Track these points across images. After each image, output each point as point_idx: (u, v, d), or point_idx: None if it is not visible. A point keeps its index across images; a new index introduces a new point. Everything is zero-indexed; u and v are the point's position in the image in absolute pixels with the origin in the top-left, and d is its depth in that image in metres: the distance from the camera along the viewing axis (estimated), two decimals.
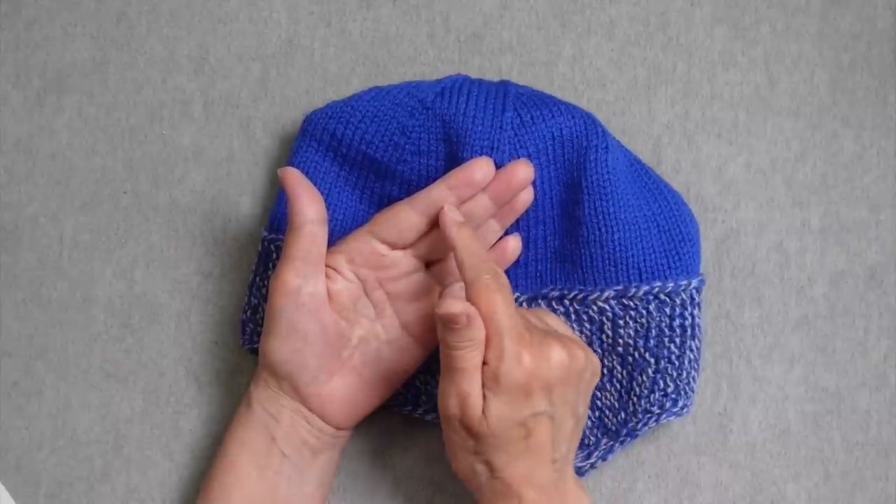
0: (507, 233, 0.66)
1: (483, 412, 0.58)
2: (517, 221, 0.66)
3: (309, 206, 0.61)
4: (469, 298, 0.58)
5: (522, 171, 0.63)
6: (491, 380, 0.58)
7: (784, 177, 0.69)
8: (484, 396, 0.58)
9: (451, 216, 0.61)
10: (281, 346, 0.62)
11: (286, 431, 0.63)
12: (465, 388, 0.58)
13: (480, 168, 0.63)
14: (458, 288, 0.63)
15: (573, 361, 0.59)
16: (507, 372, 0.57)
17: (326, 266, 0.63)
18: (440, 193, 0.63)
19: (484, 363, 0.58)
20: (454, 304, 0.57)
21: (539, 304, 0.66)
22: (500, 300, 0.58)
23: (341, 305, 0.63)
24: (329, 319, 0.62)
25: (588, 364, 0.60)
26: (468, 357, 0.58)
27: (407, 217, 0.63)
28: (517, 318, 0.58)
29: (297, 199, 0.61)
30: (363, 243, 0.63)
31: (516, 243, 0.66)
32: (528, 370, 0.57)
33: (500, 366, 0.57)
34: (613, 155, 0.65)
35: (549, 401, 0.58)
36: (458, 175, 0.63)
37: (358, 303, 0.64)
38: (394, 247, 0.63)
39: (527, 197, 0.65)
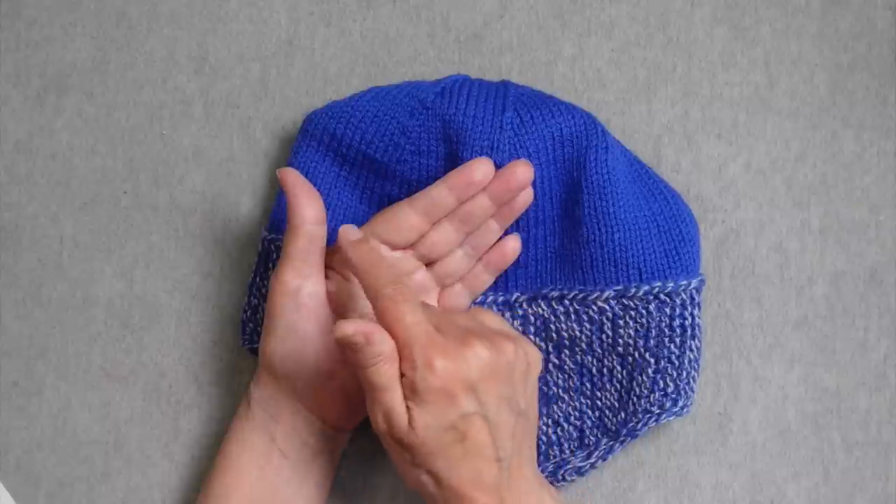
0: (506, 233, 0.66)
1: (409, 423, 0.57)
2: (517, 221, 0.66)
3: (308, 207, 0.61)
4: (376, 315, 0.57)
5: (522, 172, 0.63)
6: (409, 390, 0.56)
7: (784, 177, 0.69)
8: (407, 407, 0.57)
9: (346, 235, 0.60)
10: (280, 345, 0.62)
11: (286, 432, 0.63)
12: (387, 403, 0.57)
13: (480, 168, 0.63)
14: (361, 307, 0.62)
15: (499, 356, 0.57)
16: (421, 379, 0.56)
17: (326, 266, 0.63)
18: (440, 193, 0.63)
19: (402, 375, 0.57)
20: (346, 326, 0.56)
21: (539, 304, 0.66)
22: (404, 310, 0.56)
23: (341, 305, 0.63)
24: (328, 320, 0.62)
25: (518, 357, 0.59)
26: (381, 372, 0.57)
27: (407, 217, 0.63)
28: (426, 323, 0.57)
29: (295, 200, 0.61)
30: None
31: (516, 243, 0.66)
32: (443, 374, 0.56)
33: (415, 375, 0.56)
34: (613, 155, 0.65)
35: (477, 400, 0.57)
36: (457, 175, 0.63)
37: (357, 303, 0.64)
38: (393, 247, 0.63)
39: (526, 197, 0.65)
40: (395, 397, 0.57)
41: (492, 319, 0.61)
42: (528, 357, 0.59)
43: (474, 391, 0.57)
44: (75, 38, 0.71)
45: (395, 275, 0.58)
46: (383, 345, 0.56)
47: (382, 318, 0.57)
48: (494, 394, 0.57)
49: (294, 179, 0.62)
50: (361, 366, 0.57)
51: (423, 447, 0.57)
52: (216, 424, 0.69)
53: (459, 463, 0.57)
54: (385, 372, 0.57)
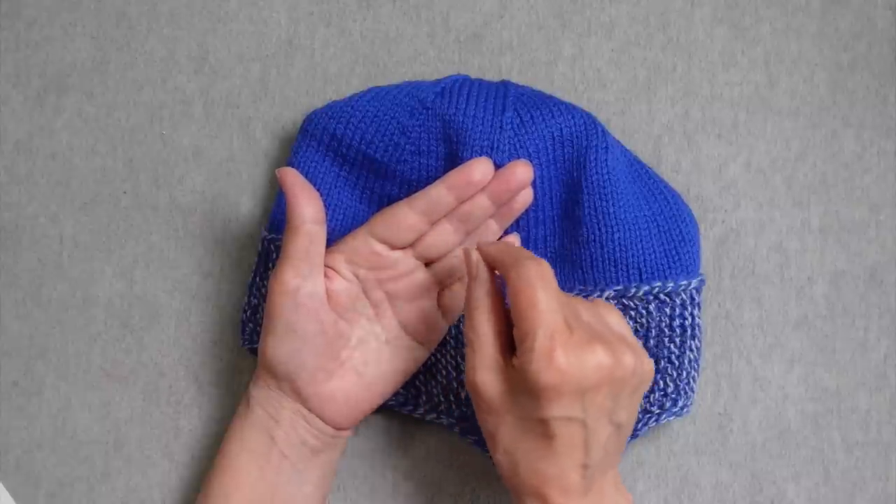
0: (506, 232, 0.66)
1: (501, 396, 0.56)
2: (517, 221, 0.66)
3: (307, 207, 0.61)
4: (510, 292, 0.56)
5: (521, 172, 0.63)
6: (519, 373, 0.55)
7: (784, 177, 0.69)
8: (510, 387, 0.56)
9: (471, 254, 0.59)
10: (280, 346, 0.62)
11: (286, 432, 0.63)
12: (474, 353, 0.57)
13: (479, 168, 0.63)
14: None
15: (616, 368, 0.55)
16: (535, 367, 0.54)
17: (325, 266, 0.63)
18: (439, 193, 0.63)
19: (515, 357, 0.56)
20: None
21: None
22: (540, 296, 0.55)
23: (340, 305, 0.63)
24: (328, 319, 0.62)
25: (636, 372, 0.57)
26: (473, 319, 0.57)
27: (406, 217, 0.63)
28: (559, 314, 0.55)
29: (294, 200, 0.61)
30: (362, 243, 0.63)
31: (515, 242, 0.66)
32: (559, 371, 0.54)
33: (530, 359, 0.54)
34: (613, 155, 0.65)
35: (582, 406, 0.55)
36: (457, 175, 0.63)
37: (357, 303, 0.64)
38: (393, 247, 0.63)
39: (526, 197, 0.65)
40: (480, 354, 0.56)
41: (615, 319, 0.60)
42: (643, 372, 0.58)
43: (582, 396, 0.55)
44: (75, 38, 0.71)
45: (531, 254, 0.57)
46: (482, 286, 0.57)
47: (517, 297, 0.55)
48: (600, 403, 0.56)
49: (293, 179, 0.62)
50: (467, 298, 0.58)
51: (507, 426, 0.56)
52: (216, 424, 0.69)
53: (543, 458, 0.56)
54: (478, 322, 0.57)
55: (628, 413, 0.58)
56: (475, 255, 0.58)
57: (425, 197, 0.63)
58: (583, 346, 0.55)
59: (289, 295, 0.61)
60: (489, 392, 0.57)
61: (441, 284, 0.65)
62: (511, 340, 0.57)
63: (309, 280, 0.61)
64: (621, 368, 0.56)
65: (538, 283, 0.55)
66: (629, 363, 0.56)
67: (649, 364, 0.58)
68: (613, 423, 0.57)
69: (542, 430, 0.56)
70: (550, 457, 0.56)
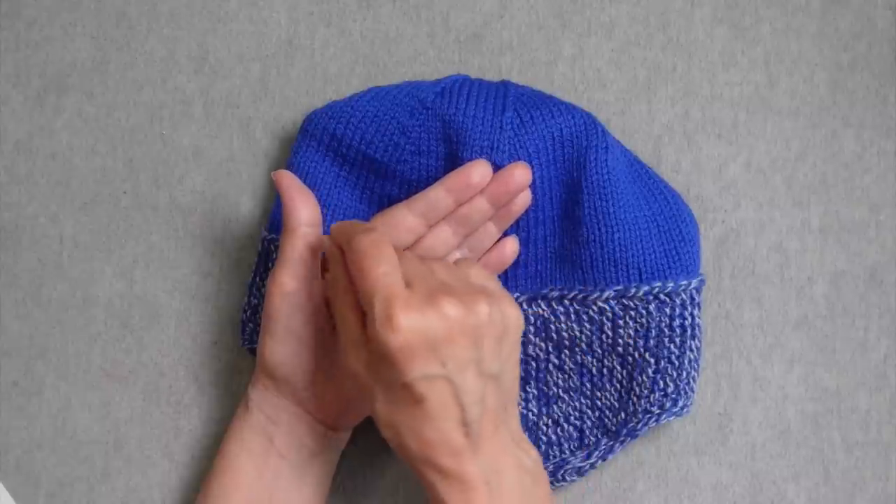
0: (506, 234, 0.66)
1: (365, 369, 0.56)
2: (517, 221, 0.66)
3: (303, 209, 0.61)
4: (348, 263, 0.56)
5: (520, 174, 0.63)
6: (370, 341, 0.55)
7: (784, 177, 0.69)
8: (367, 360, 0.56)
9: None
10: (278, 348, 0.62)
11: (284, 433, 0.63)
12: (339, 340, 0.58)
13: (478, 170, 0.63)
14: None
15: (467, 317, 0.54)
16: (380, 335, 0.53)
17: (322, 268, 0.63)
18: (438, 196, 0.63)
19: (364, 327, 0.55)
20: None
21: (539, 304, 0.66)
22: (371, 262, 0.54)
23: None
24: (326, 321, 0.62)
25: (493, 319, 0.55)
26: (333, 299, 0.58)
27: (404, 219, 0.63)
28: (394, 275, 0.54)
29: (290, 202, 0.61)
30: None
31: (514, 245, 0.66)
32: (402, 331, 0.53)
33: (374, 329, 0.54)
34: (613, 155, 0.65)
35: (440, 362, 0.54)
36: (455, 178, 0.63)
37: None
38: None
39: (524, 200, 0.65)
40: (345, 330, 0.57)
41: (475, 272, 0.59)
42: (504, 319, 0.56)
43: (436, 352, 0.54)
44: (75, 38, 0.71)
45: (369, 226, 0.57)
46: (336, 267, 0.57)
47: (353, 271, 0.55)
48: (460, 356, 0.54)
49: (289, 182, 0.62)
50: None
51: (381, 399, 0.56)
52: (216, 424, 0.69)
53: (421, 424, 0.55)
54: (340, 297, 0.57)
55: (501, 363, 0.57)
56: (327, 240, 0.59)
57: (424, 199, 0.63)
58: (424, 302, 0.54)
59: (286, 297, 0.61)
60: (357, 368, 0.56)
61: None
62: None
63: (305, 282, 0.61)
64: (473, 316, 0.55)
65: (368, 252, 0.55)
66: (483, 311, 0.55)
67: (512, 310, 0.57)
68: (484, 374, 0.56)
69: (410, 395, 0.55)
70: (427, 421, 0.55)
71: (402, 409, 0.55)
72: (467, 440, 0.55)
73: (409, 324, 0.53)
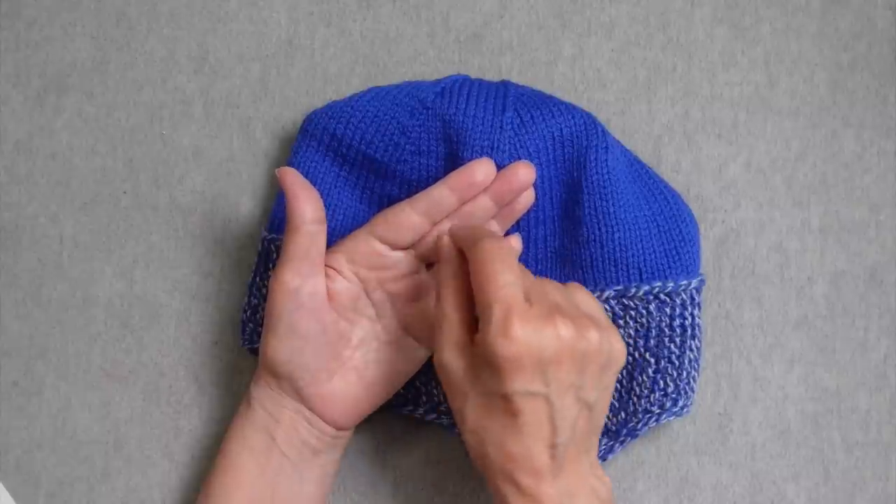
0: (506, 233, 0.66)
1: (465, 371, 0.56)
2: (517, 221, 0.66)
3: (307, 206, 0.61)
4: (471, 268, 0.56)
5: (523, 173, 0.63)
6: (479, 346, 0.55)
7: (784, 177, 0.69)
8: (471, 364, 0.56)
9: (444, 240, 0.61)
10: (281, 346, 0.62)
11: (286, 432, 0.63)
12: (436, 339, 0.57)
13: (481, 169, 0.63)
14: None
15: (579, 341, 0.55)
16: (493, 342, 0.54)
17: (326, 266, 0.63)
18: (441, 194, 0.63)
19: (477, 332, 0.56)
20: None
21: None
22: (497, 268, 0.55)
23: (341, 305, 0.63)
24: (329, 319, 0.62)
25: (601, 348, 0.56)
26: (441, 299, 0.58)
27: (407, 217, 0.63)
28: (516, 287, 0.55)
29: (294, 200, 0.61)
30: (363, 243, 0.63)
31: (517, 243, 0.66)
32: (518, 343, 0.54)
33: (488, 334, 0.54)
34: (613, 155, 0.65)
35: (544, 381, 0.54)
36: (459, 176, 0.63)
37: (358, 303, 0.64)
38: (394, 247, 0.63)
39: (527, 199, 0.65)
40: (444, 333, 0.57)
41: (586, 301, 0.59)
42: (611, 350, 0.57)
43: (543, 371, 0.54)
44: (75, 38, 0.71)
45: (491, 231, 0.58)
46: (449, 267, 0.58)
47: (476, 274, 0.56)
48: (564, 379, 0.55)
49: (293, 179, 0.62)
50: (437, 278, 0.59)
51: (472, 404, 0.56)
52: (216, 424, 0.69)
53: (509, 436, 0.55)
54: (446, 301, 0.57)
55: (598, 393, 0.57)
56: (445, 239, 0.59)
57: (427, 197, 0.63)
58: (541, 318, 0.54)
59: (290, 295, 0.61)
60: (454, 369, 0.56)
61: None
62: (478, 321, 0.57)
63: (310, 280, 0.61)
64: (584, 342, 0.55)
65: (495, 258, 0.55)
66: (594, 338, 0.56)
67: (619, 344, 0.57)
68: (581, 400, 0.56)
69: (506, 406, 0.55)
70: (516, 434, 0.55)
71: (493, 418, 0.56)
72: (552, 462, 0.56)
73: (525, 336, 0.54)
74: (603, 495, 0.58)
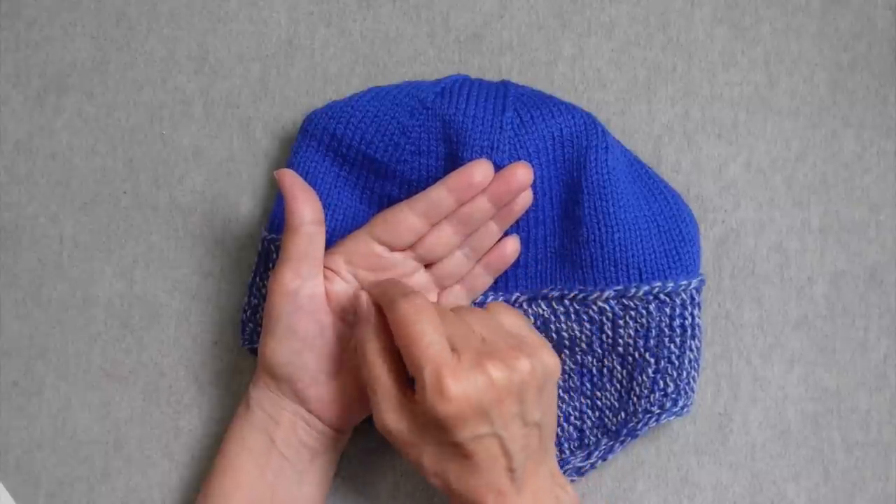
0: (507, 233, 0.66)
1: (410, 432, 0.57)
2: (517, 221, 0.66)
3: (306, 207, 0.61)
4: (392, 327, 0.58)
5: (522, 173, 0.63)
6: (419, 406, 0.57)
7: (784, 177, 0.69)
8: (417, 425, 0.57)
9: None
10: (279, 347, 0.62)
11: (285, 433, 0.63)
12: (372, 403, 0.59)
13: (480, 170, 0.63)
14: None
15: (512, 376, 0.57)
16: (432, 405, 0.55)
17: (325, 267, 0.63)
18: (440, 195, 0.63)
19: (415, 394, 0.57)
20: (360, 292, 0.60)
21: (539, 304, 0.66)
22: (419, 330, 0.56)
23: (340, 307, 0.63)
24: (327, 321, 0.62)
25: (535, 372, 0.58)
26: (366, 361, 0.59)
27: (406, 219, 0.63)
28: (441, 344, 0.56)
29: (293, 201, 0.61)
30: (362, 244, 0.63)
31: (515, 245, 0.66)
32: (454, 400, 0.55)
33: (424, 398, 0.56)
34: (613, 155, 0.65)
35: (489, 422, 0.56)
36: (457, 177, 0.63)
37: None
38: (392, 248, 0.63)
39: (526, 200, 0.65)
40: (380, 392, 0.58)
41: (511, 321, 0.61)
42: (545, 369, 0.58)
43: (486, 414, 0.56)
44: (75, 38, 0.71)
45: (405, 286, 0.59)
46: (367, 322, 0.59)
47: (400, 338, 0.57)
48: (507, 413, 0.57)
49: (292, 180, 0.62)
50: (357, 338, 0.59)
51: (428, 455, 0.58)
52: (216, 424, 0.69)
53: (470, 475, 0.58)
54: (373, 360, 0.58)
55: (543, 409, 0.59)
56: (363, 297, 0.60)
57: (425, 198, 0.63)
58: (472, 368, 0.56)
59: (288, 296, 0.61)
60: (399, 430, 0.58)
61: (440, 286, 0.65)
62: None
63: (308, 281, 0.61)
64: (517, 374, 0.57)
65: (414, 319, 0.56)
66: (525, 367, 0.57)
67: (551, 359, 0.59)
68: (528, 423, 0.58)
69: (460, 451, 0.57)
70: (476, 472, 0.57)
71: (450, 461, 0.58)
72: (513, 483, 0.58)
73: (459, 392, 0.55)
74: (566, 501, 0.60)
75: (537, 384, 0.58)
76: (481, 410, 0.56)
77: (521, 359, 0.57)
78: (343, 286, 0.63)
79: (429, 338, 0.56)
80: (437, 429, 0.56)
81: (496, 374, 0.56)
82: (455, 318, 0.59)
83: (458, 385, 0.55)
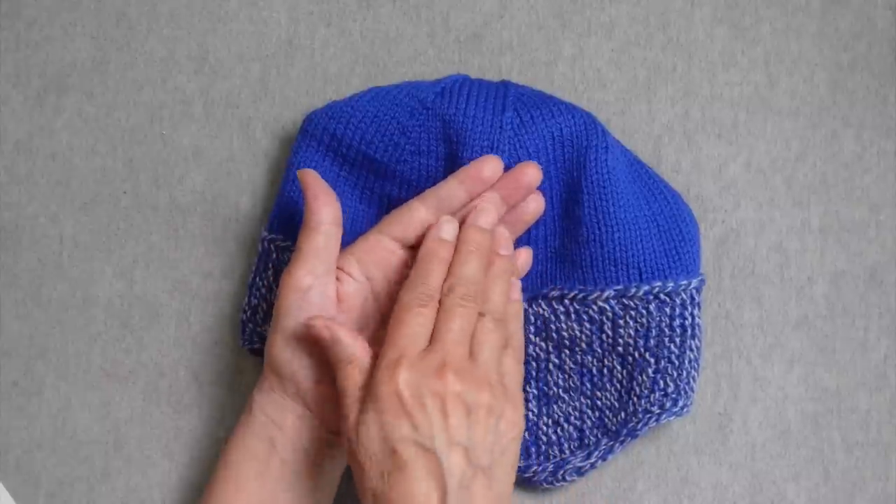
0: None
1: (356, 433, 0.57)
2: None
3: (326, 208, 0.61)
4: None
5: (531, 172, 0.63)
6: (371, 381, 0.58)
7: (784, 177, 0.69)
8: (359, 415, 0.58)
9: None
10: (287, 345, 0.62)
11: (288, 438, 0.63)
12: (345, 411, 0.59)
13: (489, 165, 0.63)
14: None
15: (467, 396, 0.57)
16: (377, 382, 0.57)
17: (338, 268, 0.63)
18: (450, 188, 0.63)
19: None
20: (316, 318, 0.60)
21: (539, 304, 0.66)
22: (409, 317, 0.59)
23: (350, 308, 0.63)
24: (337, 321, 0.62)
25: (490, 412, 0.58)
26: (345, 375, 0.60)
27: (417, 212, 0.63)
28: (425, 335, 0.59)
29: (314, 200, 0.61)
30: (374, 242, 0.63)
31: (527, 256, 0.66)
32: (398, 383, 0.57)
33: (376, 373, 0.58)
34: (613, 155, 0.65)
35: (428, 426, 0.56)
36: (467, 171, 0.63)
37: (366, 305, 0.63)
38: (404, 244, 0.63)
39: (537, 206, 0.65)
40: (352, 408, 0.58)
41: (510, 367, 0.61)
42: (502, 419, 0.58)
43: (426, 415, 0.56)
44: (75, 38, 0.71)
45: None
46: (349, 349, 0.59)
47: (393, 316, 0.59)
48: (452, 430, 0.56)
49: (313, 180, 0.62)
50: (331, 363, 0.60)
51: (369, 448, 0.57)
52: (216, 424, 0.69)
53: (399, 483, 0.56)
54: (349, 376, 0.59)
55: (495, 459, 0.57)
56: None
57: (436, 193, 0.63)
58: (433, 369, 0.57)
59: (299, 293, 0.61)
60: (354, 393, 0.59)
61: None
62: None
63: (321, 280, 0.61)
64: (472, 397, 0.57)
65: (413, 311, 0.59)
66: (483, 400, 0.58)
67: (513, 412, 0.58)
68: (474, 462, 0.56)
69: (394, 455, 0.56)
70: (406, 481, 0.56)
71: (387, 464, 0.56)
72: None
73: (406, 378, 0.57)
74: None
75: (491, 422, 0.57)
76: (420, 405, 0.56)
77: (484, 393, 0.57)
78: (353, 286, 0.63)
79: (414, 329, 0.58)
80: (375, 412, 0.56)
81: (452, 387, 0.56)
82: (461, 326, 0.59)
83: (409, 374, 0.56)
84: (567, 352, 0.66)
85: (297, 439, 0.63)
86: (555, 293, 0.66)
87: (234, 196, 0.70)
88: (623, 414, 0.65)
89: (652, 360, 0.65)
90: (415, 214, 0.63)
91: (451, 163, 0.64)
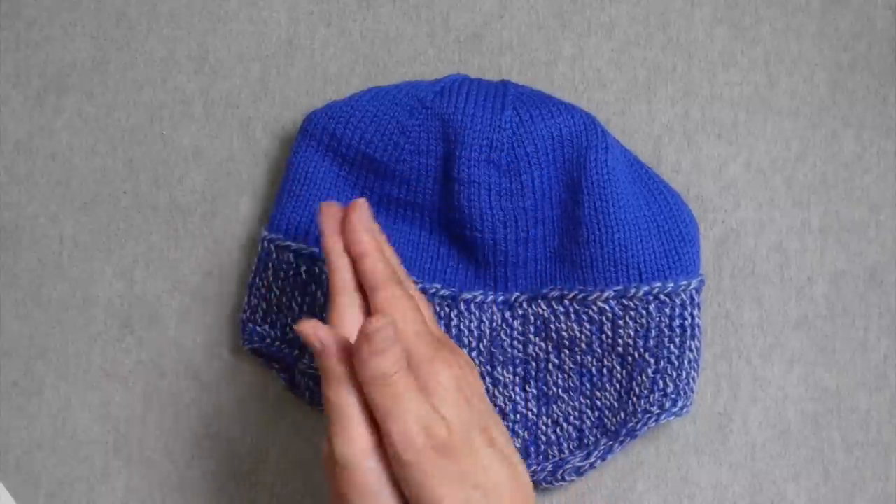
0: (509, 233, 0.66)
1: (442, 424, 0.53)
2: (517, 221, 0.66)
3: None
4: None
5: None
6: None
7: (784, 177, 0.69)
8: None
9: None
10: None
11: None
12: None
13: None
14: None
15: (459, 383, 0.55)
16: (364, 358, 0.52)
17: None
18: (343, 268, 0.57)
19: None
20: (306, 325, 0.52)
21: (539, 304, 0.66)
22: (411, 315, 0.55)
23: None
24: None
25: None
26: (334, 391, 0.53)
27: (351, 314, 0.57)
28: (428, 333, 0.55)
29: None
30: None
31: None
32: (388, 354, 0.52)
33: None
34: (613, 155, 0.65)
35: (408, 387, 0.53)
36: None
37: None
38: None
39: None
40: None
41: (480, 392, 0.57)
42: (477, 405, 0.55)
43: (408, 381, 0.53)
44: (75, 38, 0.71)
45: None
46: (339, 366, 0.53)
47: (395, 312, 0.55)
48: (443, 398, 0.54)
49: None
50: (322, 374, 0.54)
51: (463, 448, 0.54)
52: (216, 424, 0.69)
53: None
54: (339, 392, 0.53)
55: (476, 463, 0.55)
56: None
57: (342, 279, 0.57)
58: (429, 358, 0.55)
59: (370, 456, 0.54)
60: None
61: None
62: None
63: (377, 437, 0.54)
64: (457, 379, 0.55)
65: (411, 308, 0.55)
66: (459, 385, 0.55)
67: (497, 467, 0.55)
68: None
69: (483, 436, 0.55)
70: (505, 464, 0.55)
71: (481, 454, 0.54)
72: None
73: (396, 352, 0.53)
74: None
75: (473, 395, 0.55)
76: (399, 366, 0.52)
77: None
78: None
79: (418, 327, 0.54)
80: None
81: (444, 376, 0.54)
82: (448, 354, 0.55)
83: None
84: (567, 352, 0.66)
85: None
86: (554, 293, 0.66)
87: (234, 196, 0.70)
88: (622, 414, 0.65)
89: (651, 361, 0.65)
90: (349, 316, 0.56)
91: (450, 162, 0.64)
